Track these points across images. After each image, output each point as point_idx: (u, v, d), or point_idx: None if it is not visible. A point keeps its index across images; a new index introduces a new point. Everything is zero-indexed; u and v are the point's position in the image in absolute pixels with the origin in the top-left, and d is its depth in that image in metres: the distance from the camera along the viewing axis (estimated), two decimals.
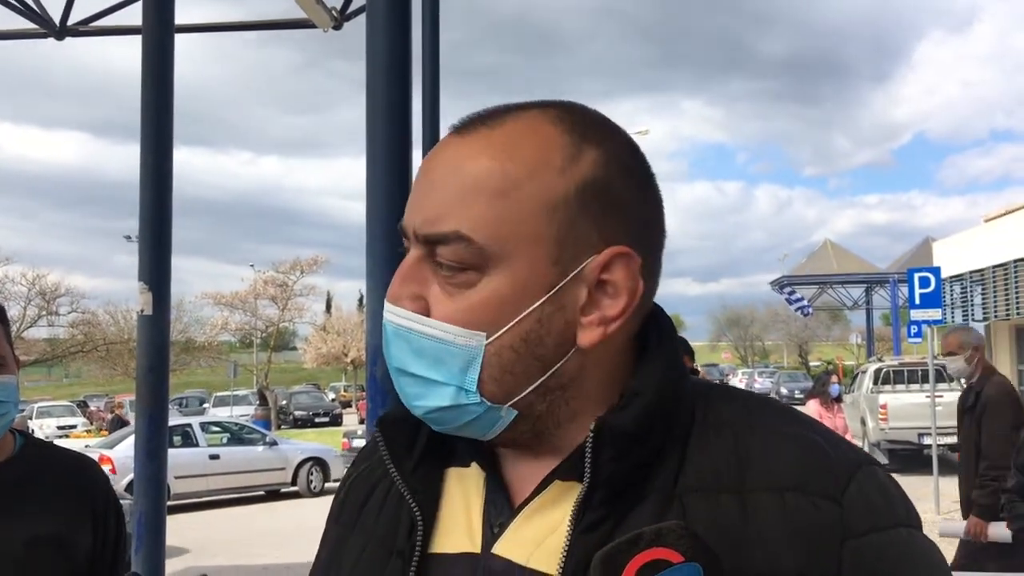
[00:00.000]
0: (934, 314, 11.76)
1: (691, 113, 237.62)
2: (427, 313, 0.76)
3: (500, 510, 0.80)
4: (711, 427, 0.78)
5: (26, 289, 39.14)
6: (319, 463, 16.62)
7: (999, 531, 4.58)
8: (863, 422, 16.43)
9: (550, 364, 0.76)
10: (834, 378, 9.36)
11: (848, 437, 7.09)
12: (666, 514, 0.73)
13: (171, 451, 5.69)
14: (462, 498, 0.83)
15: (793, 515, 0.72)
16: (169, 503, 6.55)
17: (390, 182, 2.94)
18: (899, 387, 16.48)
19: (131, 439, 6.81)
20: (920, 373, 16.20)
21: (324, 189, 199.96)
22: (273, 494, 16.35)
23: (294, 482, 16.29)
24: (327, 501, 0.97)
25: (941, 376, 12.89)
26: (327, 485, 16.31)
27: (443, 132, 0.81)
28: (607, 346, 0.78)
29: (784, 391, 38.07)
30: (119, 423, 20.93)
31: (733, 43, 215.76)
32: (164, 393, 4.56)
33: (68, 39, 7.12)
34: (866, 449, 7.23)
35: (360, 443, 16.84)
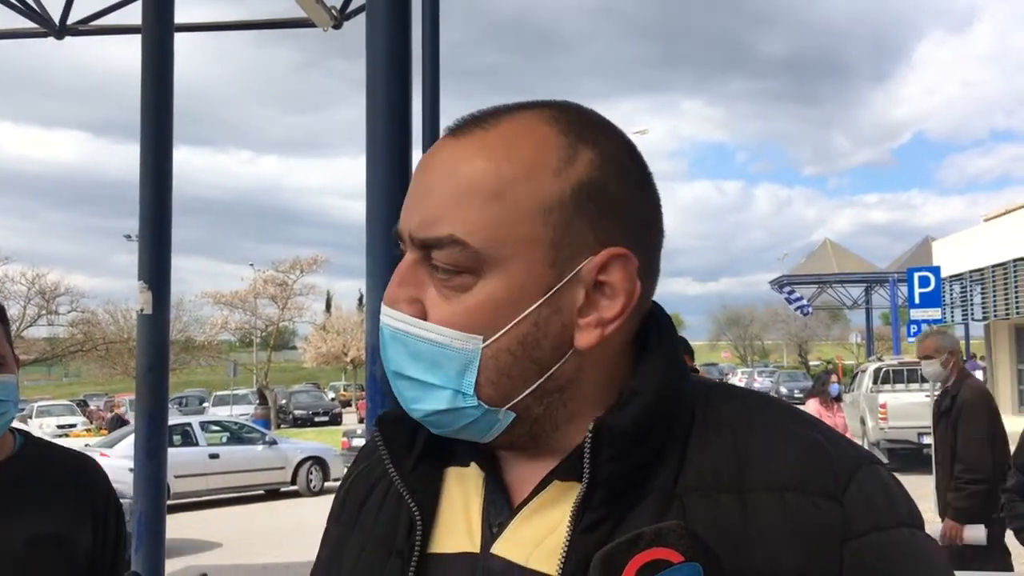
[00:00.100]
0: (934, 313, 11.78)
1: (691, 113, 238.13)
2: (424, 316, 0.76)
3: (499, 510, 0.80)
4: (711, 426, 0.77)
5: (26, 288, 39.18)
6: (319, 462, 16.61)
7: (974, 534, 4.60)
8: (863, 421, 16.42)
9: (547, 367, 0.76)
10: (834, 377, 9.38)
11: (848, 436, 7.06)
12: (666, 514, 0.72)
13: (171, 450, 5.70)
14: (461, 498, 0.83)
15: (793, 515, 0.71)
16: (169, 502, 6.55)
17: (390, 182, 2.94)
18: (899, 386, 16.45)
19: (131, 438, 6.81)
20: (920, 373, 16.15)
21: (324, 189, 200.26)
22: (273, 493, 16.34)
23: (294, 481, 16.28)
24: (327, 500, 0.97)
25: None
26: (327, 484, 16.29)
27: (443, 132, 0.81)
28: (605, 348, 0.77)
29: (784, 390, 37.97)
30: (119, 422, 20.93)
31: (733, 43, 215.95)
32: (164, 392, 4.56)
33: (68, 38, 7.10)
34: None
35: (360, 442, 16.87)
